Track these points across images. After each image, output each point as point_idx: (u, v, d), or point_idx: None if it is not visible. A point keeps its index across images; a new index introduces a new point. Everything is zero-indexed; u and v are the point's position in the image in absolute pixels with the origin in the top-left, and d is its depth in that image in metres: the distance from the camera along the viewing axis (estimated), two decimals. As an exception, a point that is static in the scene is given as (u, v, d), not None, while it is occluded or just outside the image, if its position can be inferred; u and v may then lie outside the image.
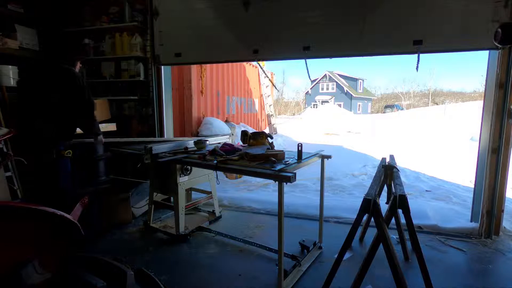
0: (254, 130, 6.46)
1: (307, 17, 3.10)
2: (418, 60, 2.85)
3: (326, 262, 2.46)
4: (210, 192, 3.37)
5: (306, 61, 3.21)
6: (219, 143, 3.12)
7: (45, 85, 2.57)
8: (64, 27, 4.02)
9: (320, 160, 2.60)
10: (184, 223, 2.94)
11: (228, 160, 2.33)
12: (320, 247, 2.71)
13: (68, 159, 2.57)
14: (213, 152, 2.55)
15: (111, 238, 2.94)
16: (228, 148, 2.62)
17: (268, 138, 2.77)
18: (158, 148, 2.71)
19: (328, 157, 2.59)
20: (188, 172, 2.87)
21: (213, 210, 3.45)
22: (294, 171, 2.01)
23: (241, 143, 2.97)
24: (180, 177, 2.80)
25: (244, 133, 2.87)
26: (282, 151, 2.38)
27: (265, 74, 8.71)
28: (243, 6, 3.28)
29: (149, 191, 3.11)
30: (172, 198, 3.08)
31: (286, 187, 2.16)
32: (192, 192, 3.59)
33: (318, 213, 2.70)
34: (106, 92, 4.06)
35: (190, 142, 3.03)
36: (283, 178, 1.93)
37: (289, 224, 3.22)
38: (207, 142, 2.98)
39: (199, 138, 3.13)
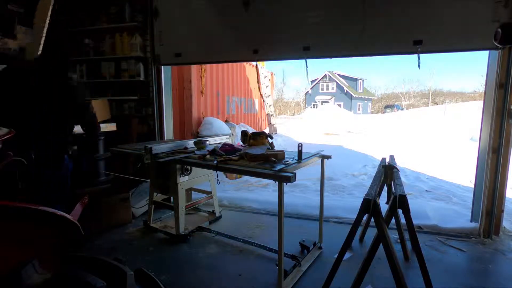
0: (254, 130, 6.46)
1: (307, 17, 3.10)
2: (419, 59, 2.86)
3: (326, 262, 2.46)
4: (210, 192, 3.37)
5: (306, 62, 3.21)
6: (219, 143, 3.12)
7: None
8: (64, 27, 4.02)
9: (320, 160, 2.60)
10: (184, 223, 2.94)
11: (228, 160, 2.33)
12: (320, 247, 2.71)
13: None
14: (213, 152, 2.55)
15: (111, 238, 2.94)
16: (228, 148, 2.62)
17: (268, 138, 2.77)
18: (158, 148, 2.71)
19: (328, 157, 2.59)
20: (188, 172, 2.87)
21: (213, 210, 3.45)
22: (294, 171, 2.01)
23: (241, 143, 2.97)
24: (180, 177, 2.80)
25: (244, 133, 2.87)
26: (282, 151, 2.38)
27: (258, 74, 8.72)
28: (243, 6, 3.28)
29: (149, 191, 3.11)
30: (172, 198, 3.08)
31: (286, 187, 2.16)
32: (192, 192, 3.58)
33: (318, 213, 2.70)
34: (106, 92, 4.06)
35: (190, 142, 3.02)
36: (283, 178, 1.93)
37: (289, 224, 3.22)
38: (207, 142, 2.98)
39: (199, 138, 3.13)
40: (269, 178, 2.08)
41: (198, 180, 3.08)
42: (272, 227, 3.16)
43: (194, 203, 3.30)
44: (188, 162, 2.58)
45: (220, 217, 3.42)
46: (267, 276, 2.27)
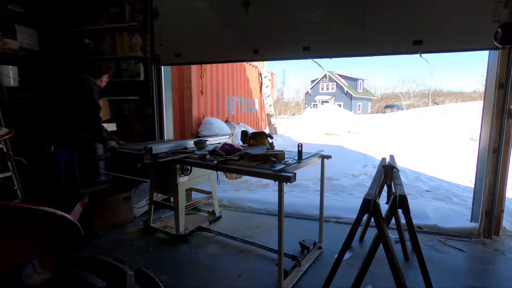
0: (254, 130, 6.46)
1: (307, 17, 3.10)
2: (421, 56, 2.84)
3: (326, 262, 2.46)
4: (210, 192, 3.37)
5: (316, 62, 3.22)
6: (219, 143, 3.12)
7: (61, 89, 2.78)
8: (64, 27, 4.02)
9: (320, 160, 2.60)
10: (184, 223, 2.94)
11: (229, 160, 2.33)
12: (320, 247, 2.70)
13: (52, 155, 2.58)
14: (213, 152, 2.55)
15: (112, 238, 2.94)
16: (228, 148, 2.62)
17: (268, 138, 2.77)
18: (158, 148, 2.71)
19: (328, 157, 2.59)
20: (188, 172, 2.87)
21: (213, 210, 3.45)
22: (294, 171, 2.01)
23: (241, 143, 2.97)
24: (180, 177, 2.80)
25: (244, 133, 2.87)
26: (282, 151, 2.38)
27: (261, 77, 8.72)
28: (243, 6, 3.28)
29: (149, 191, 3.11)
30: (172, 198, 3.08)
31: (286, 187, 2.16)
32: (192, 192, 3.58)
33: (318, 213, 2.70)
34: (106, 92, 4.04)
35: (190, 142, 3.02)
36: (283, 178, 1.93)
37: (289, 224, 3.22)
38: (207, 142, 2.98)
39: (199, 138, 3.13)
40: (269, 178, 2.08)
41: (198, 180, 3.07)
42: (272, 227, 3.16)
43: (194, 203, 3.29)
44: (188, 162, 2.58)
45: (220, 217, 3.42)
46: (267, 276, 2.28)
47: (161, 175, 2.92)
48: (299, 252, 2.60)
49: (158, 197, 3.18)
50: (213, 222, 3.29)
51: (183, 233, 2.86)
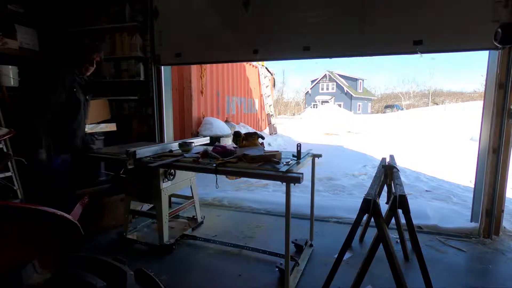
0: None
1: (307, 17, 3.10)
2: (421, 56, 2.85)
3: (326, 262, 2.45)
4: (190, 197, 3.14)
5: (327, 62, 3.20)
6: (202, 145, 3.02)
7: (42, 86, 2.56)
8: (64, 27, 4.02)
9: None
10: (168, 232, 2.72)
11: (227, 163, 2.25)
12: (311, 245, 2.70)
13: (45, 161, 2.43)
14: (206, 154, 2.46)
15: (111, 238, 2.94)
16: (220, 150, 2.54)
17: (260, 139, 2.72)
18: (141, 152, 2.48)
19: (319, 155, 2.62)
20: (172, 177, 2.66)
21: (193, 216, 3.25)
22: (301, 171, 2.00)
23: (231, 144, 2.91)
24: (164, 182, 2.59)
25: (236, 134, 2.76)
26: (278, 151, 2.38)
27: (269, 71, 8.73)
28: (243, 6, 3.28)
29: (125, 199, 2.85)
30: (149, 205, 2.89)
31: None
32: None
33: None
34: (106, 92, 4.06)
35: (173, 145, 2.87)
36: (291, 179, 1.92)
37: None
38: (193, 144, 2.83)
39: (183, 140, 2.98)
40: (277, 180, 2.03)
41: (180, 185, 2.86)
42: (272, 227, 3.16)
43: (177, 210, 2.98)
44: (181, 166, 2.40)
45: (202, 222, 3.24)
46: (266, 277, 2.28)
47: (141, 181, 2.64)
48: (294, 252, 2.59)
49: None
50: (195, 229, 3.11)
51: (168, 243, 2.65)
